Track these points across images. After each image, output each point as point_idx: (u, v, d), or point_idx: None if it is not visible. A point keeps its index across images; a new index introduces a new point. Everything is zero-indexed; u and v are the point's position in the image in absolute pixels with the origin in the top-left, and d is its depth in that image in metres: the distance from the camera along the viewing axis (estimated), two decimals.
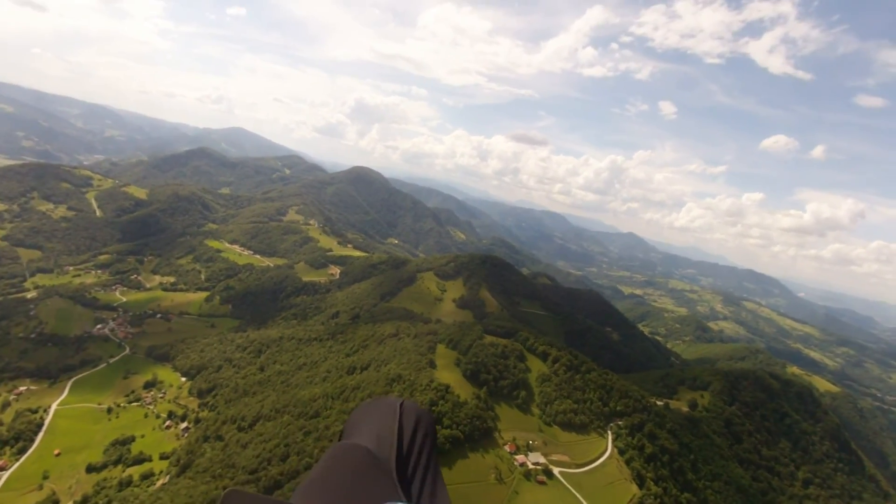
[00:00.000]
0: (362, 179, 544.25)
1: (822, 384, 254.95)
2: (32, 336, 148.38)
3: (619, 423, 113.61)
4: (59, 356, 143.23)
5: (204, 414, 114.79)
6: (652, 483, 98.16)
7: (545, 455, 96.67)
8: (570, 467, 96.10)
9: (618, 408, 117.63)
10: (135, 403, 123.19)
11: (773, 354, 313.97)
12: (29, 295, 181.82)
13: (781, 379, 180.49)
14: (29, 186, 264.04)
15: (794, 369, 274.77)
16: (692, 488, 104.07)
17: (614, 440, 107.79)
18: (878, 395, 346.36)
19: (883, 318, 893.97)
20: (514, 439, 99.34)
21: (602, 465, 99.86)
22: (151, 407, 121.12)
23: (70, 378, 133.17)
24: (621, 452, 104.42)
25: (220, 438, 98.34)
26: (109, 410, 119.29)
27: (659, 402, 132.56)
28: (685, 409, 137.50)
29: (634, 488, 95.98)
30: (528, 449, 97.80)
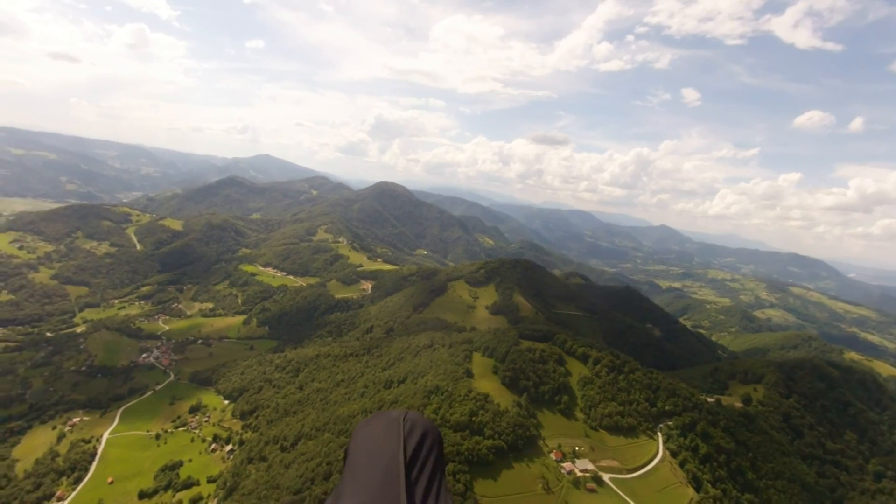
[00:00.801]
0: (387, 194, 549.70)
1: (884, 369, 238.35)
2: (83, 369, 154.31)
3: (669, 423, 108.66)
4: (108, 386, 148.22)
5: (247, 435, 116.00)
6: (709, 485, 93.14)
7: (593, 461, 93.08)
8: (620, 473, 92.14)
9: (666, 407, 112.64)
10: (181, 428, 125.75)
11: (827, 341, 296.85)
12: (78, 329, 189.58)
13: (841, 366, 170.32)
14: (73, 227, 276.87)
15: (852, 355, 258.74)
16: (753, 488, 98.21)
17: (665, 442, 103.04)
18: None
19: None
20: (560, 446, 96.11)
21: (654, 468, 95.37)
22: (197, 431, 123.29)
23: (119, 407, 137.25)
24: (674, 454, 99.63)
25: (263, 459, 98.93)
26: (157, 437, 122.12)
27: (710, 399, 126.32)
28: (739, 404, 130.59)
29: (691, 492, 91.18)
30: (575, 456, 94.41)
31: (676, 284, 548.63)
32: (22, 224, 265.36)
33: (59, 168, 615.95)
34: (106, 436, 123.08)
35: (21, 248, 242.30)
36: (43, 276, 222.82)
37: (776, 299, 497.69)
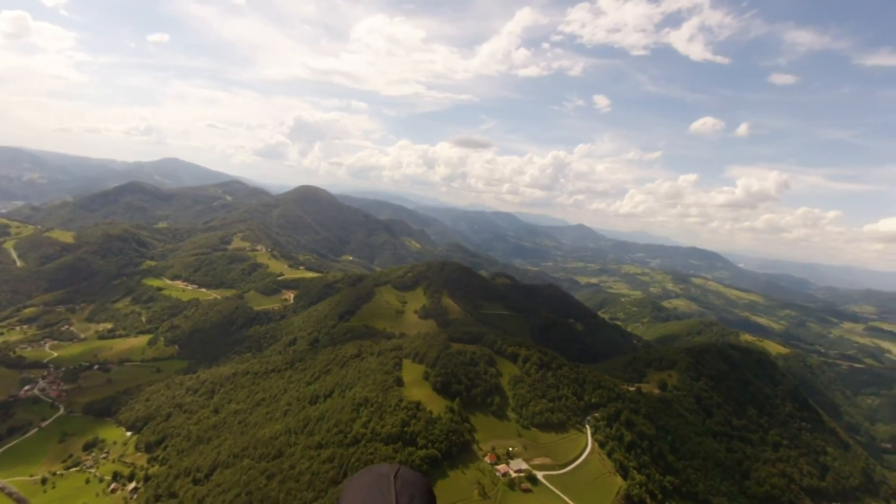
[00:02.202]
0: (309, 199, 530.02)
1: (773, 347, 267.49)
2: None
3: (596, 415, 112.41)
4: None
5: (154, 469, 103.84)
6: (635, 472, 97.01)
7: (527, 460, 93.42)
8: (553, 469, 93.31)
9: (593, 400, 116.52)
10: (73, 469, 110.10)
11: (725, 325, 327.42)
12: None
13: (740, 348, 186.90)
14: None
15: (746, 337, 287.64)
16: (674, 470, 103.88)
17: (593, 434, 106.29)
18: (823, 350, 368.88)
19: (816, 278, 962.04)
20: (494, 449, 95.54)
21: (585, 461, 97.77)
22: (93, 470, 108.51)
23: None
24: (602, 445, 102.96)
25: (173, 496, 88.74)
26: (44, 481, 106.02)
27: (631, 388, 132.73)
28: (656, 391, 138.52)
29: (619, 480, 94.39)
30: (509, 457, 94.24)
31: (594, 280, 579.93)
32: None
33: None
34: None
35: None
36: None
37: (681, 290, 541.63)
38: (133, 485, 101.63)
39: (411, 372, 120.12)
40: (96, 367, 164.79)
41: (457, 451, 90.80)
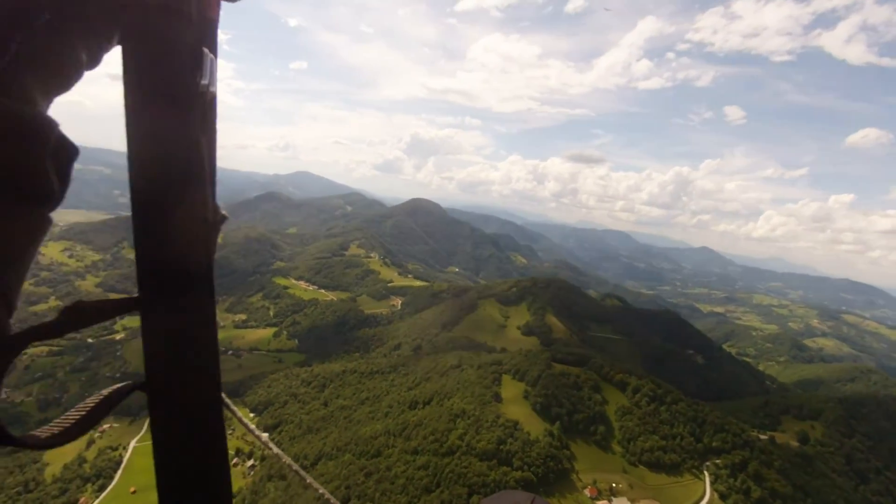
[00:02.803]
0: (420, 211, 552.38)
1: None
2: (118, 375, 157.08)
3: (717, 461, 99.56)
4: (140, 394, 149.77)
5: (269, 451, 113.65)
6: None
7: (632, 501, 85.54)
8: None
9: (713, 444, 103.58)
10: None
11: (888, 374, 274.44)
12: (118, 336, 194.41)
13: None
14: (120, 237, 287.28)
15: None
16: None
17: (713, 482, 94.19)
18: None
19: None
20: (595, 482, 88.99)
21: None
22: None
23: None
24: (723, 497, 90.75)
25: (283, 478, 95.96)
26: None
27: (762, 436, 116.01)
28: (794, 443, 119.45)
29: None
30: (612, 493, 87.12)
31: (719, 309, 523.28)
32: (73, 234, 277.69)
33: (113, 182, 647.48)
34: (133, 444, 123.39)
35: (71, 256, 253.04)
36: (89, 283, 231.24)
37: (828, 328, 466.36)
38: (251, 462, 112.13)
39: (510, 388, 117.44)
40: (230, 352, 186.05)
41: (554, 479, 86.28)
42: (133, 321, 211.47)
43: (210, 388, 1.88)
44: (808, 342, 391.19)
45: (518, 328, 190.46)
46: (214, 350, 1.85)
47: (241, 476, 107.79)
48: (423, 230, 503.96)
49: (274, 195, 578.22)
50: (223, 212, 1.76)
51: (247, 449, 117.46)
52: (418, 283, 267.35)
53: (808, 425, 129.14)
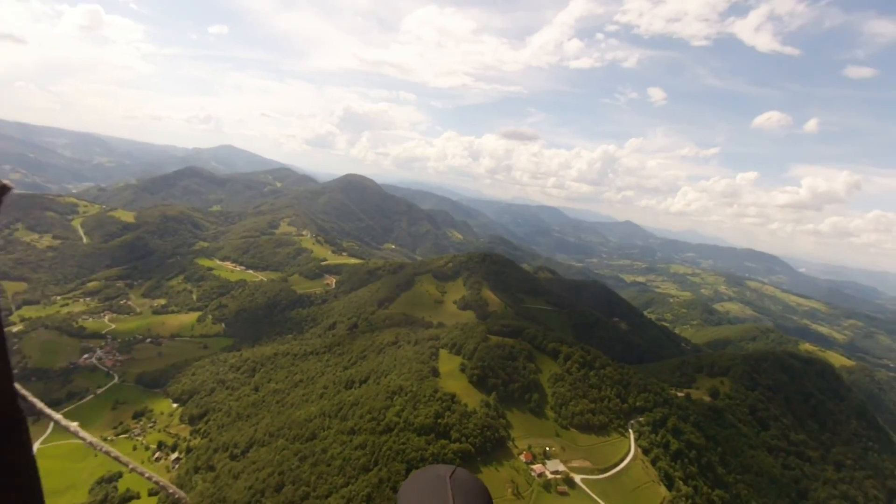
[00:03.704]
0: (354, 187, 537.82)
1: (836, 359, 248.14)
2: (16, 372, 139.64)
3: (640, 419, 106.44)
4: (44, 391, 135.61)
5: (195, 442, 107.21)
6: (681, 482, 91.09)
7: (565, 462, 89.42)
8: (592, 473, 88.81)
9: (637, 403, 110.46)
10: (123, 436, 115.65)
11: (783, 332, 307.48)
12: (15, 329, 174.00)
13: (801, 358, 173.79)
14: (13, 218, 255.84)
15: (806, 346, 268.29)
16: (723, 484, 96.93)
17: (637, 439, 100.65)
18: (892, 365, 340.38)
19: (886, 287, 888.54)
20: (530, 447, 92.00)
21: (626, 467, 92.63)
22: (140, 438, 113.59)
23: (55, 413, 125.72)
24: (645, 452, 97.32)
25: (211, 469, 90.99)
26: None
27: (679, 394, 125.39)
28: (707, 398, 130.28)
29: (663, 490, 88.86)
30: (546, 457, 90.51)
31: (641, 279, 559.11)
32: None
33: (3, 156, 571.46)
34: (37, 445, 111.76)
35: None
36: None
37: (734, 293, 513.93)
38: (175, 455, 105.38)
39: (448, 363, 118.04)
40: (149, 340, 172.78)
41: (491, 448, 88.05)
42: (33, 311, 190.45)
43: None
44: (717, 306, 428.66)
45: (454, 303, 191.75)
46: None
47: (165, 470, 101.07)
48: (357, 207, 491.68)
49: (195, 170, 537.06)
50: (4, 181, 1.54)
51: (170, 442, 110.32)
52: (353, 260, 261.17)
53: (718, 381, 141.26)
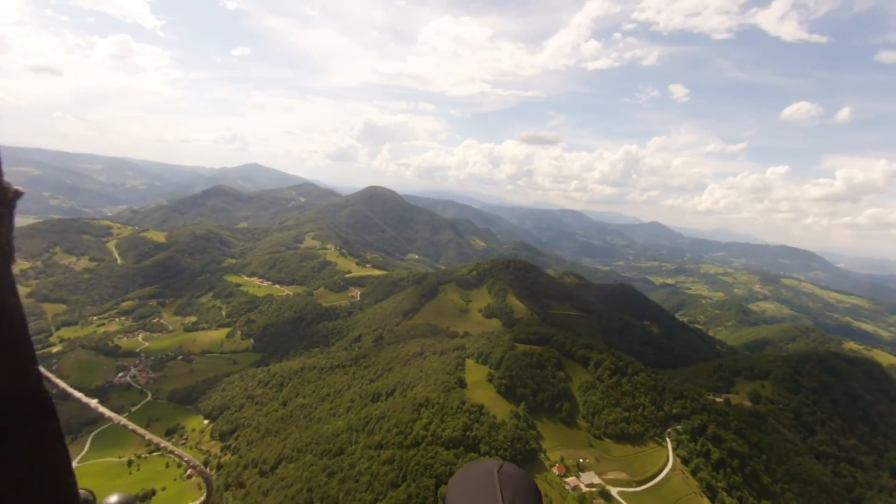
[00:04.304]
0: (376, 199, 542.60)
1: (883, 358, 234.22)
2: (54, 392, 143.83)
3: (678, 427, 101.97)
4: (81, 410, 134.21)
5: (226, 458, 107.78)
6: (725, 494, 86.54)
7: (599, 474, 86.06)
8: (629, 486, 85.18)
9: (674, 410, 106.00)
10: (156, 453, 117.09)
11: (825, 331, 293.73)
12: (54, 349, 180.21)
13: (846, 357, 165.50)
14: (51, 242, 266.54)
15: (850, 345, 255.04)
16: (769, 494, 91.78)
17: (675, 448, 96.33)
18: None
19: None
20: (563, 459, 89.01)
21: (665, 479, 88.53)
22: (172, 455, 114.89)
23: (91, 432, 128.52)
24: (685, 462, 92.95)
25: (241, 486, 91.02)
26: (130, 463, 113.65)
27: (718, 399, 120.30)
28: (747, 403, 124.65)
29: (706, 502, 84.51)
30: (580, 469, 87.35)
31: (670, 280, 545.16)
32: None
33: (43, 183, 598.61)
34: (74, 464, 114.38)
35: None
36: (19, 293, 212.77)
37: (769, 291, 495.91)
38: None
39: (474, 373, 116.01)
40: (180, 357, 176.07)
41: (522, 460, 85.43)
42: (71, 331, 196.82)
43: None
44: (752, 306, 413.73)
45: (479, 311, 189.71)
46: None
47: (196, 488, 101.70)
48: (380, 218, 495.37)
49: (222, 189, 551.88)
50: (16, 188, 1.56)
51: (202, 458, 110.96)
52: (377, 272, 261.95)
53: (759, 385, 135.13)
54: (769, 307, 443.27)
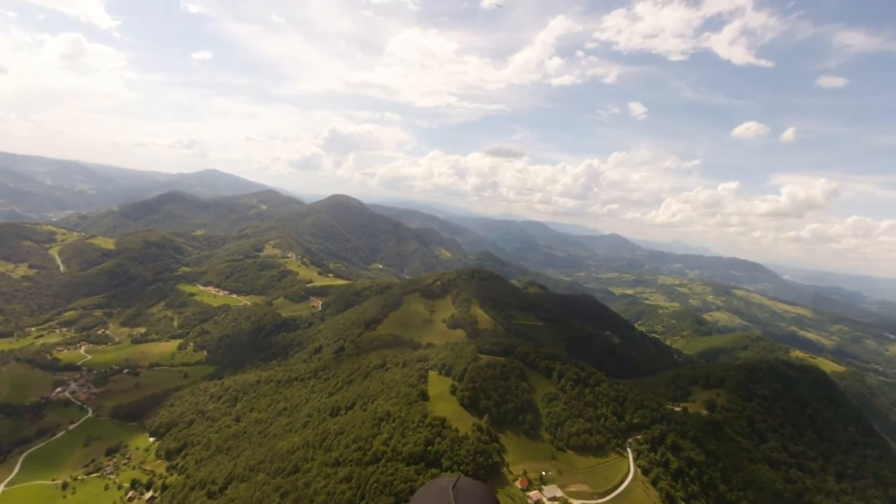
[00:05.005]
0: (341, 207, 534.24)
1: (826, 365, 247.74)
2: None
3: (639, 437, 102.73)
4: (12, 428, 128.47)
5: (172, 479, 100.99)
6: (683, 503, 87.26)
7: (562, 487, 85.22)
8: (591, 498, 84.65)
9: (634, 420, 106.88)
10: (94, 475, 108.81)
11: (773, 340, 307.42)
12: None
13: (795, 366, 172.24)
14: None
15: (797, 353, 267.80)
16: (726, 502, 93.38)
17: (636, 459, 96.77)
18: (881, 369, 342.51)
19: (869, 291, 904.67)
20: (525, 472, 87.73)
21: (627, 490, 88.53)
22: (113, 476, 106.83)
23: (23, 452, 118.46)
24: (645, 472, 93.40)
25: None
26: (65, 486, 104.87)
27: (676, 408, 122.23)
28: (704, 411, 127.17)
29: None
30: (542, 482, 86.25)
31: (629, 291, 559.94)
32: None
33: None
34: (1, 488, 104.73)
35: None
36: None
37: (722, 302, 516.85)
38: (150, 494, 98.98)
39: (437, 385, 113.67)
40: (126, 370, 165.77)
41: (485, 475, 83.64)
42: (5, 343, 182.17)
43: None
44: (706, 316, 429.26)
45: (444, 321, 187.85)
46: None
47: None
48: (344, 227, 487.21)
49: (177, 195, 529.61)
50: None
51: (145, 479, 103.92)
52: (340, 281, 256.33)
53: (714, 393, 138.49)
54: (722, 317, 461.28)
